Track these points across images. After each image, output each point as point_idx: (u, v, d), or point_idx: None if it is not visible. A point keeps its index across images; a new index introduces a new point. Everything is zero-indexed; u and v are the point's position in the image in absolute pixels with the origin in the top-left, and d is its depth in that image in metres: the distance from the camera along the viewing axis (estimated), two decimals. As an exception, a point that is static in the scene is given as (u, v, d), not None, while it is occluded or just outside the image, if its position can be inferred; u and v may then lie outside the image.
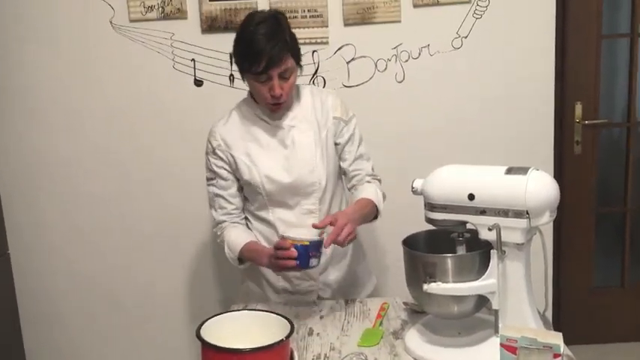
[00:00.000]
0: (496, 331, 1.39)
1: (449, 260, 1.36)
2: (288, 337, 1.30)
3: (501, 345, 1.23)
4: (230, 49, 1.83)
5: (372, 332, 1.57)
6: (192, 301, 2.54)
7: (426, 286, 1.36)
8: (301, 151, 1.73)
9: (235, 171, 1.75)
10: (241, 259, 1.71)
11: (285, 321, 1.37)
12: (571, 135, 2.75)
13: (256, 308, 1.64)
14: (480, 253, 1.37)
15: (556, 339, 1.20)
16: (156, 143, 2.42)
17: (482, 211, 1.34)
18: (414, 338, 1.49)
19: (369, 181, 1.80)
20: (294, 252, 1.43)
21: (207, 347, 1.27)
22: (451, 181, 1.38)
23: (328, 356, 1.46)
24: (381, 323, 1.61)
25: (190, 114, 2.39)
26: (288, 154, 1.73)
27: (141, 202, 2.46)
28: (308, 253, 1.42)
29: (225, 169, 1.76)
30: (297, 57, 1.67)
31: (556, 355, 1.18)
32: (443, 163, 1.44)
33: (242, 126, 1.76)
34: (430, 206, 1.41)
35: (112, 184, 2.44)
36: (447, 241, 1.44)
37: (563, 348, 1.20)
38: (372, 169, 1.82)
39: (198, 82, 2.37)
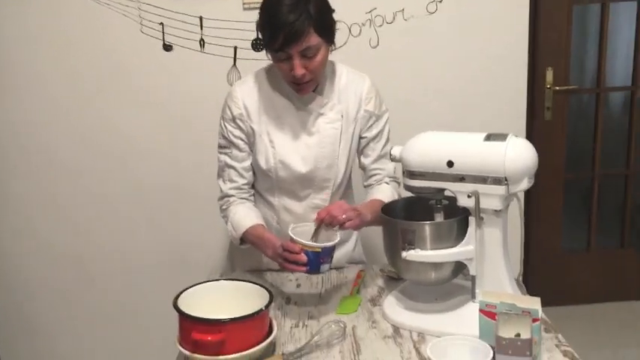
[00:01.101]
0: (473, 297, 1.39)
1: (427, 227, 1.36)
2: (267, 306, 1.30)
3: (480, 311, 1.24)
4: (200, 12, 1.76)
5: (349, 300, 1.56)
6: (176, 274, 2.49)
7: (404, 254, 1.35)
8: (324, 142, 1.61)
9: (251, 145, 1.62)
10: (243, 240, 1.60)
11: (264, 290, 1.36)
12: (542, 101, 2.76)
13: (234, 277, 1.62)
14: (458, 220, 1.36)
15: (534, 304, 1.21)
16: (122, 109, 2.37)
17: (461, 178, 1.32)
18: (391, 305, 1.48)
19: (387, 182, 1.69)
20: (303, 257, 1.33)
21: (184, 318, 1.26)
22: (430, 147, 1.36)
23: (307, 324, 1.45)
24: (358, 291, 1.60)
25: (159, 79, 2.33)
26: (309, 143, 1.61)
27: (107, 172, 2.43)
28: (319, 259, 1.34)
29: (242, 140, 1.62)
30: (326, 33, 1.46)
31: (535, 320, 1.19)
32: (420, 130, 1.42)
33: (266, 97, 1.61)
34: (409, 173, 1.39)
35: (75, 151, 2.39)
36: (426, 208, 1.43)
37: (541, 312, 1.20)
38: (394, 170, 1.69)
39: (168, 47, 2.30)
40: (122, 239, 2.49)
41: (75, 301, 2.54)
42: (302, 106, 1.61)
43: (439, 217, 1.42)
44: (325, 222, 1.41)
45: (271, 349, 1.33)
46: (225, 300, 1.37)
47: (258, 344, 1.26)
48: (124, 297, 2.55)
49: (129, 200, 2.46)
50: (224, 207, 1.66)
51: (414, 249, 1.35)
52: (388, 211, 1.46)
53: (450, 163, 1.33)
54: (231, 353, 1.23)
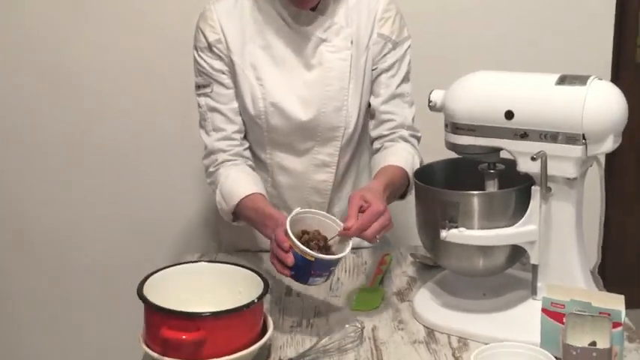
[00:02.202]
0: (534, 293, 1.40)
1: (476, 199, 1.35)
2: (260, 298, 1.29)
3: (543, 311, 1.24)
4: None
5: (369, 293, 1.57)
6: (144, 254, 2.49)
7: (444, 233, 1.35)
8: (330, 78, 1.61)
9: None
10: (236, 215, 1.59)
11: (258, 277, 1.36)
12: (632, 36, 2.69)
13: (218, 260, 1.63)
14: (517, 190, 1.36)
15: (616, 303, 1.20)
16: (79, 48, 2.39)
17: (524, 135, 1.32)
18: (424, 301, 1.49)
19: (404, 139, 1.66)
20: (289, 258, 1.32)
21: (151, 310, 1.26)
22: (483, 93, 1.35)
23: (312, 323, 1.47)
24: (381, 281, 1.61)
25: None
26: (310, 80, 1.61)
27: (59, 125, 2.47)
28: (309, 269, 1.33)
29: (225, 74, 1.62)
30: None
31: (616, 325, 1.18)
32: (471, 69, 1.41)
33: (251, 21, 1.61)
34: (453, 127, 1.38)
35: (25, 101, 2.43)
36: (474, 174, 1.43)
37: (624, 315, 1.20)
38: (413, 119, 1.69)
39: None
40: (74, 209, 2.53)
41: (17, 285, 2.61)
42: (300, 29, 1.60)
43: (492, 187, 1.42)
44: (356, 235, 1.39)
45: (264, 354, 1.34)
46: (205, 288, 1.37)
47: (247, 347, 1.26)
48: (79, 280, 2.59)
49: (83, 160, 2.49)
50: (211, 169, 1.65)
51: (456, 227, 1.35)
52: (423, 176, 1.45)
53: (510, 114, 1.32)
54: (212, 357, 1.23)
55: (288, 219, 1.35)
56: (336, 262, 1.36)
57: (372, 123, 1.70)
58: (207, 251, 1.87)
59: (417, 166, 1.62)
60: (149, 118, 2.43)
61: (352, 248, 1.38)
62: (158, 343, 1.25)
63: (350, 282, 1.62)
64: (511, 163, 1.36)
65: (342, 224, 1.37)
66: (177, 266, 1.42)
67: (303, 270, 1.33)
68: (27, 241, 2.57)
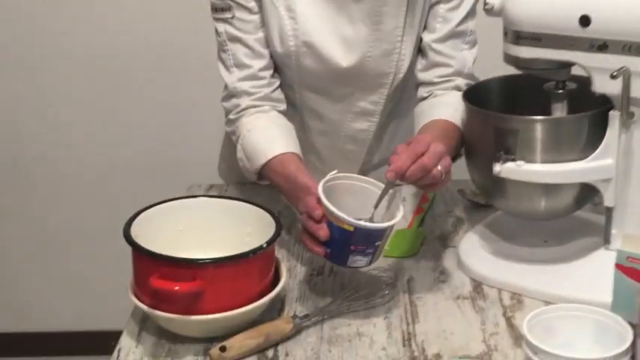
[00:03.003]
0: (606, 242, 1.35)
1: (539, 126, 1.31)
2: (270, 242, 1.25)
3: (617, 266, 1.18)
4: None
5: (406, 236, 1.53)
6: (142, 187, 2.51)
7: (498, 168, 1.31)
8: (382, 13, 1.50)
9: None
10: (262, 176, 1.50)
11: (269, 216, 1.32)
12: None
13: (224, 195, 1.60)
14: (591, 115, 1.31)
15: None
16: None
17: (602, 46, 1.26)
18: (472, 248, 1.45)
19: (459, 89, 1.55)
20: (323, 230, 1.22)
21: (140, 255, 1.22)
22: (552, -7, 1.29)
23: (335, 272, 1.43)
24: (421, 222, 1.59)
25: None
26: (357, 15, 1.50)
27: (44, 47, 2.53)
28: (348, 244, 1.22)
29: None
30: None
31: None
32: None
33: None
34: (514, 36, 1.33)
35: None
36: (537, 94, 1.38)
37: None
38: (474, 63, 1.59)
39: None
40: (70, 136, 2.59)
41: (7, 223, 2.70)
42: None
43: (559, 111, 1.36)
44: (405, 179, 1.25)
45: (276, 308, 1.31)
46: (207, 229, 1.34)
47: (253, 301, 1.21)
48: (68, 218, 2.66)
49: (71, 79, 2.54)
50: (231, 117, 1.56)
51: (514, 160, 1.30)
52: (475, 96, 1.41)
53: (586, 20, 1.26)
54: (212, 312, 1.19)
55: (321, 183, 1.25)
56: (382, 232, 1.24)
57: (420, 63, 1.58)
58: (211, 185, 1.81)
59: None
60: (156, 33, 2.49)
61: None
62: (147, 293, 1.21)
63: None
64: (584, 82, 1.32)
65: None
66: (173, 202, 1.36)
67: (341, 245, 1.23)
68: (21, 170, 2.66)
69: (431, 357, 1.19)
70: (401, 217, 1.24)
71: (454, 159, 1.42)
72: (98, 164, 2.64)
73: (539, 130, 1.31)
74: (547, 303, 1.27)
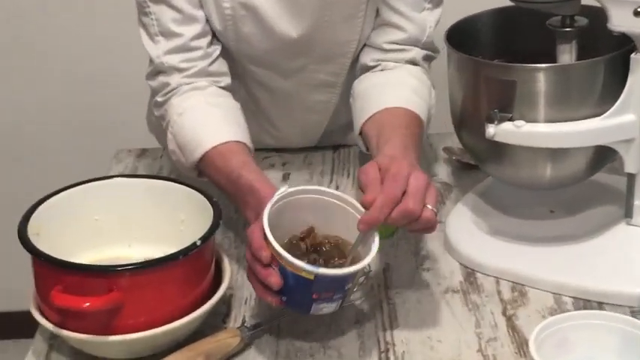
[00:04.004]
0: (628, 215, 1.29)
1: (542, 75, 1.23)
2: (206, 239, 1.13)
3: None
4: None
5: None
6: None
7: (491, 130, 1.22)
8: None
9: None
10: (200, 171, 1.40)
11: (205, 200, 1.21)
12: None
13: (157, 175, 1.51)
14: (607, 60, 1.23)
15: None
16: None
17: None
18: (463, 224, 1.38)
19: (415, 62, 1.45)
20: (273, 277, 1.08)
21: (40, 262, 1.12)
22: None
23: None
24: None
25: None
26: None
27: None
28: (309, 293, 1.09)
29: None
30: None
31: None
32: None
33: None
34: None
35: None
36: (539, 33, 1.31)
37: None
38: (435, 25, 1.46)
39: None
40: None
41: None
42: None
43: (567, 55, 1.29)
44: (391, 223, 1.11)
45: (221, 313, 1.20)
46: (130, 218, 1.26)
47: (187, 312, 1.10)
48: None
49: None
50: (159, 98, 1.42)
51: (511, 120, 1.23)
52: (460, 37, 1.32)
53: None
54: (134, 330, 1.07)
55: (266, 210, 1.10)
56: (352, 276, 1.10)
57: (363, 39, 1.47)
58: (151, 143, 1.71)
59: (433, 108, 1.42)
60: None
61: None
62: (53, 309, 1.09)
63: (350, 195, 1.41)
64: (598, 17, 1.23)
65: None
66: (85, 185, 1.25)
67: (300, 294, 1.09)
68: None
69: None
70: (376, 251, 1.10)
71: None
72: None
73: (542, 81, 1.23)
74: (557, 296, 1.19)
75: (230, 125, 1.33)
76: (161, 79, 1.38)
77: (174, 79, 1.37)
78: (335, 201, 1.14)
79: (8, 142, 2.63)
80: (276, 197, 1.09)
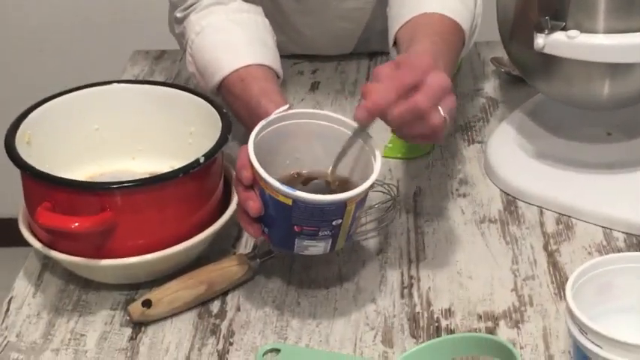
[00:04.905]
0: None
1: None
2: (210, 155, 1.07)
3: None
4: None
5: None
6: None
7: (541, 40, 1.15)
8: None
9: None
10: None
11: (215, 111, 1.14)
12: None
13: (154, 80, 1.45)
14: None
15: None
16: None
17: None
18: (507, 146, 1.32)
19: None
20: (254, 202, 1.00)
21: (29, 177, 1.07)
22: None
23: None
24: None
25: None
26: None
27: None
28: (289, 223, 1.00)
29: None
30: None
31: None
32: None
33: None
34: None
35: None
36: None
37: None
38: None
39: None
40: None
41: None
42: None
43: None
44: (388, 123, 0.99)
45: (230, 238, 1.15)
46: (134, 128, 1.21)
47: (189, 235, 1.06)
48: None
49: None
50: (178, 14, 1.36)
51: (564, 29, 1.15)
52: None
53: None
54: (129, 254, 1.02)
55: (260, 124, 1.01)
56: (339, 207, 0.99)
57: None
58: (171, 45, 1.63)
59: (479, 17, 1.31)
60: None
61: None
62: (41, 228, 1.05)
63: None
64: None
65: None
66: (83, 90, 1.18)
67: (280, 224, 1.00)
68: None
69: (437, 315, 0.98)
70: (373, 180, 0.99)
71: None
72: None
73: None
74: (607, 230, 1.12)
75: (253, 45, 1.26)
76: None
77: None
78: (338, 127, 1.04)
79: (24, 37, 2.61)
80: (273, 116, 1.01)
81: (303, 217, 0.96)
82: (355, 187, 0.97)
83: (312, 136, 1.02)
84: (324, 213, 0.96)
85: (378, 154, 0.99)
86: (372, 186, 0.97)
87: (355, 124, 0.99)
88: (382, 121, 0.97)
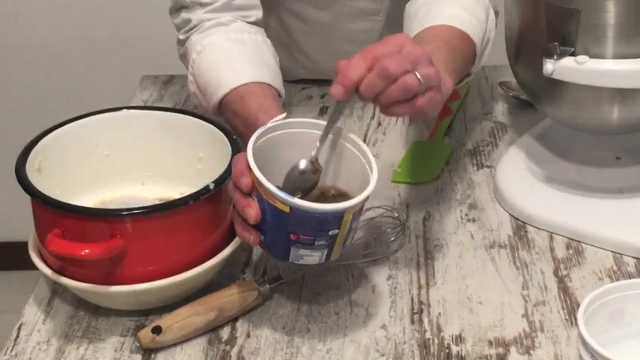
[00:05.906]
0: None
1: (612, 2, 1.14)
2: (220, 182, 1.07)
3: None
4: None
5: (425, 150, 1.41)
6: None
7: (550, 65, 1.15)
8: None
9: None
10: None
11: (223, 136, 1.16)
12: None
13: (164, 106, 1.44)
14: None
15: None
16: None
17: None
18: (517, 170, 1.32)
19: None
20: (253, 209, 1.00)
21: (39, 203, 1.07)
22: None
23: None
24: (448, 129, 1.46)
25: None
26: None
27: None
28: (285, 230, 1.01)
29: None
30: None
31: None
32: None
33: None
34: None
35: None
36: None
37: None
38: None
39: None
40: None
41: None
42: None
43: None
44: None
45: (240, 263, 1.15)
46: (143, 154, 1.22)
47: (200, 262, 1.06)
48: None
49: None
50: (181, 36, 1.38)
51: (573, 55, 1.16)
52: None
53: None
54: (139, 281, 1.02)
55: (258, 132, 1.02)
56: (336, 217, 1.00)
57: None
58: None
59: (492, 31, 1.31)
60: None
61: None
62: (51, 255, 1.05)
63: (393, 128, 1.40)
64: None
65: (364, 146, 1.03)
66: (93, 117, 1.19)
67: (277, 232, 1.01)
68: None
69: (448, 341, 0.99)
70: (371, 191, 0.99)
71: (463, 79, 1.24)
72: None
73: (611, 10, 1.14)
74: (618, 255, 1.12)
75: (254, 64, 1.27)
76: (183, 14, 1.35)
77: (196, 15, 1.33)
78: (347, 144, 1.04)
79: (32, 61, 2.62)
80: (270, 124, 1.01)
81: (300, 225, 0.96)
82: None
83: (308, 146, 1.03)
84: (320, 222, 0.97)
85: (375, 166, 1.00)
86: (368, 197, 0.97)
87: (355, 137, 1.01)
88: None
